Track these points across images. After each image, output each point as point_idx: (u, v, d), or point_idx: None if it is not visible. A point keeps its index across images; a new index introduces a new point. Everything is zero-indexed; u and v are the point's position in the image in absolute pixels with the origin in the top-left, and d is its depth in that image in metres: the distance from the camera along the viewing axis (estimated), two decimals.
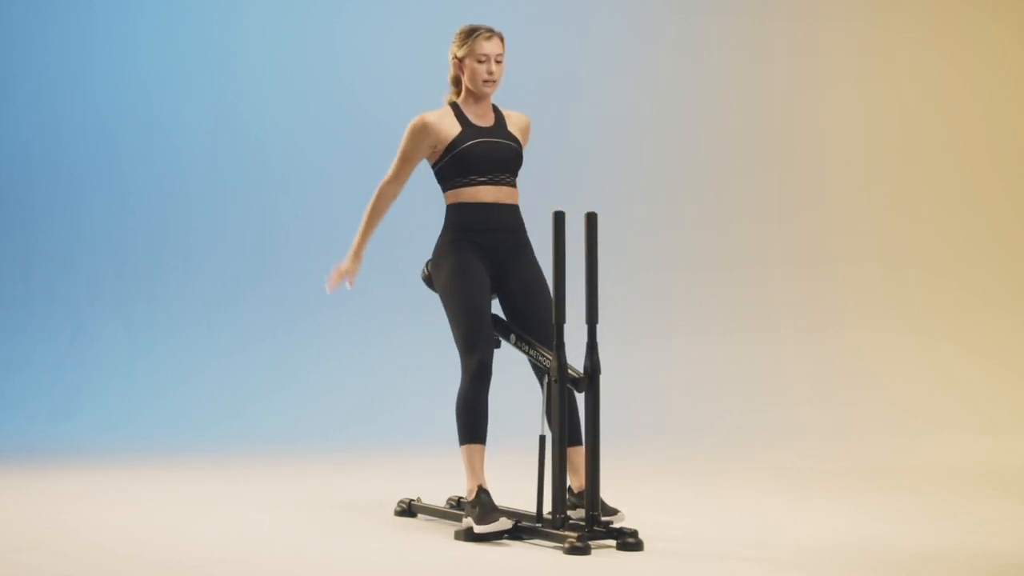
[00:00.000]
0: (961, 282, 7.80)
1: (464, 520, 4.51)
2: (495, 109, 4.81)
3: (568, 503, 4.50)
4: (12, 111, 9.29)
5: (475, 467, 4.52)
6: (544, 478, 4.44)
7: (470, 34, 4.75)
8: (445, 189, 4.75)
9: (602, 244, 4.50)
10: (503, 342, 4.68)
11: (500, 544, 4.40)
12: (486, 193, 4.69)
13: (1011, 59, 7.92)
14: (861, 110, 8.06)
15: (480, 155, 4.67)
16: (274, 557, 4.28)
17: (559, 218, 4.47)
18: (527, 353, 4.61)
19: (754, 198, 8.15)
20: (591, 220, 4.46)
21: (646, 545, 4.29)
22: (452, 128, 4.69)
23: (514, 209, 4.75)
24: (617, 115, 8.36)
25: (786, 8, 8.21)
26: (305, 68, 8.91)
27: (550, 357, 4.45)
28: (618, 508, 4.56)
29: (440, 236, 4.75)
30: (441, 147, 4.70)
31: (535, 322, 4.66)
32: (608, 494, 4.60)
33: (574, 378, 4.44)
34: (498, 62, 4.74)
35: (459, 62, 4.76)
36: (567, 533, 4.30)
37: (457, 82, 4.81)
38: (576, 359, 4.46)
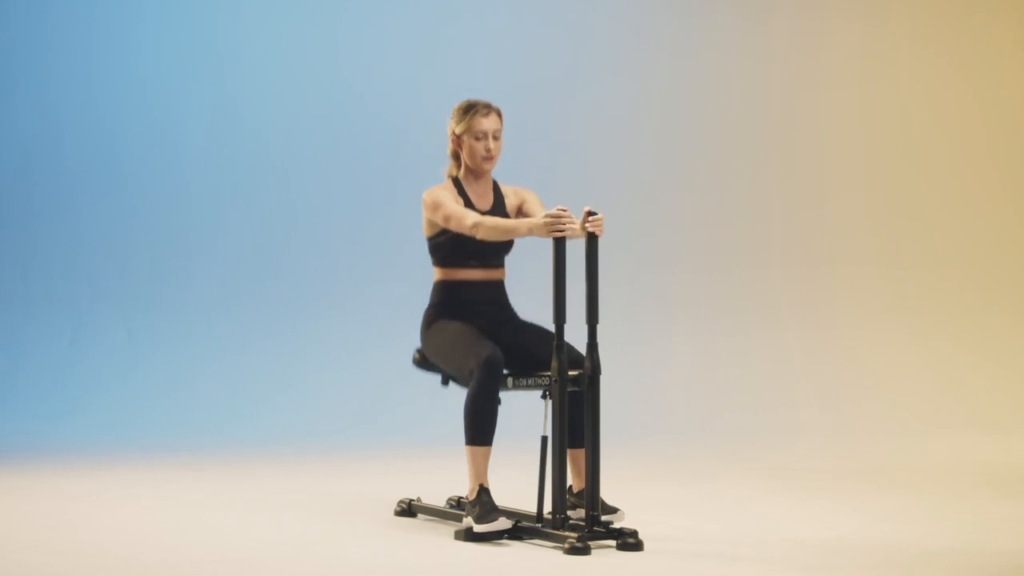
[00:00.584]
0: (961, 282, 7.80)
1: (464, 520, 4.51)
2: (495, 187, 4.81)
3: (568, 504, 4.50)
4: (12, 111, 9.29)
5: (478, 468, 4.52)
6: (545, 479, 4.44)
7: (467, 111, 4.73)
8: (436, 264, 4.76)
9: (602, 244, 4.50)
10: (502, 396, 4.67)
11: (500, 544, 4.40)
12: (476, 274, 4.74)
13: (1011, 59, 7.91)
14: (861, 110, 8.05)
15: (477, 241, 4.64)
16: (274, 557, 4.28)
17: None
18: (526, 387, 4.59)
19: (754, 198, 8.14)
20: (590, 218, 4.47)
21: (646, 545, 4.30)
22: None
23: (500, 285, 4.78)
24: (617, 115, 8.36)
25: (786, 8, 8.20)
26: (306, 68, 8.91)
27: (548, 374, 4.45)
28: (618, 507, 4.56)
29: (425, 311, 4.76)
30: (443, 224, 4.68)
31: (532, 350, 4.65)
32: (608, 494, 4.60)
33: (574, 378, 4.44)
34: (496, 139, 4.73)
35: (457, 138, 4.76)
36: (567, 533, 4.30)
37: (456, 157, 4.80)
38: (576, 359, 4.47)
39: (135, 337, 8.84)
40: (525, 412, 5.50)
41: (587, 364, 4.42)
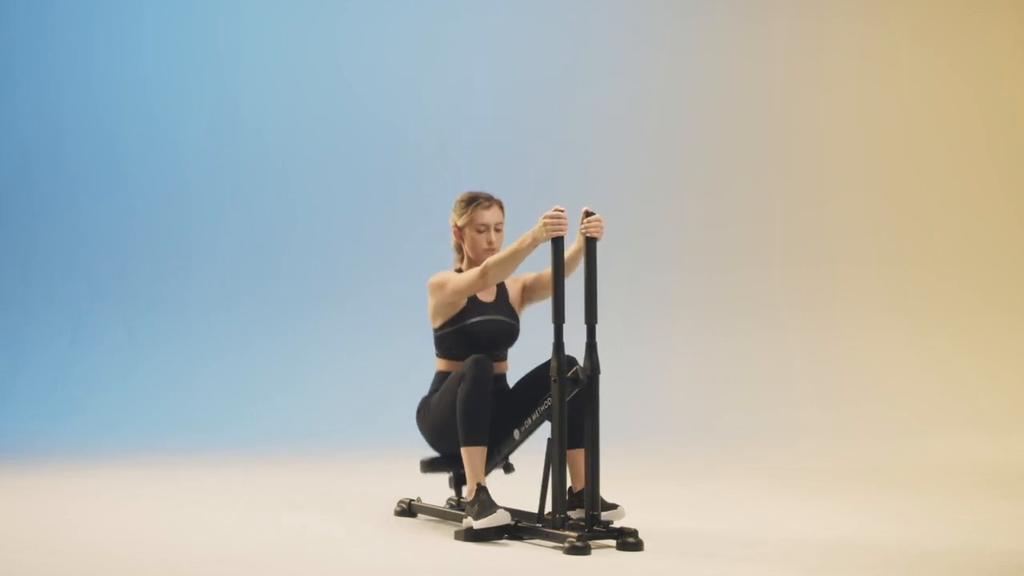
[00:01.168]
0: (961, 282, 7.80)
1: (464, 520, 4.51)
2: None
3: (568, 503, 4.50)
4: (13, 111, 9.29)
5: (475, 467, 4.53)
6: (548, 480, 4.44)
7: (469, 203, 4.74)
8: (440, 355, 4.77)
9: (602, 244, 4.50)
10: (511, 452, 4.66)
11: (500, 544, 4.40)
12: None
13: (1011, 59, 7.92)
14: (861, 110, 8.06)
15: (482, 333, 4.69)
16: (274, 557, 4.28)
17: None
18: (536, 422, 4.57)
19: (754, 198, 8.15)
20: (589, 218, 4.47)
21: (646, 545, 4.30)
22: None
23: (502, 378, 4.79)
24: (617, 115, 8.36)
25: (786, 8, 8.21)
26: (306, 68, 8.91)
27: (548, 399, 4.46)
28: (617, 503, 4.56)
29: (426, 395, 4.76)
30: (449, 314, 4.69)
31: (534, 381, 4.65)
32: (608, 494, 4.60)
33: (574, 379, 4.44)
34: (498, 231, 4.74)
35: (459, 231, 4.77)
36: (567, 533, 4.30)
37: (460, 249, 4.81)
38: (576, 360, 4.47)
39: (135, 337, 8.84)
40: None
41: (587, 364, 4.42)
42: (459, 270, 4.80)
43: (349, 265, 8.65)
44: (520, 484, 4.96)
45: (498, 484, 4.78)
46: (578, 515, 4.46)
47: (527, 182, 7.99)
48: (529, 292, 4.86)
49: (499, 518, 4.41)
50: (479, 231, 4.72)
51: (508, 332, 4.78)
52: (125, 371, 8.66)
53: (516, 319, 4.82)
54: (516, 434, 4.62)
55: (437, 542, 4.49)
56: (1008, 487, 5.71)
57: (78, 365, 8.77)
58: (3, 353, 8.99)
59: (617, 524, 4.43)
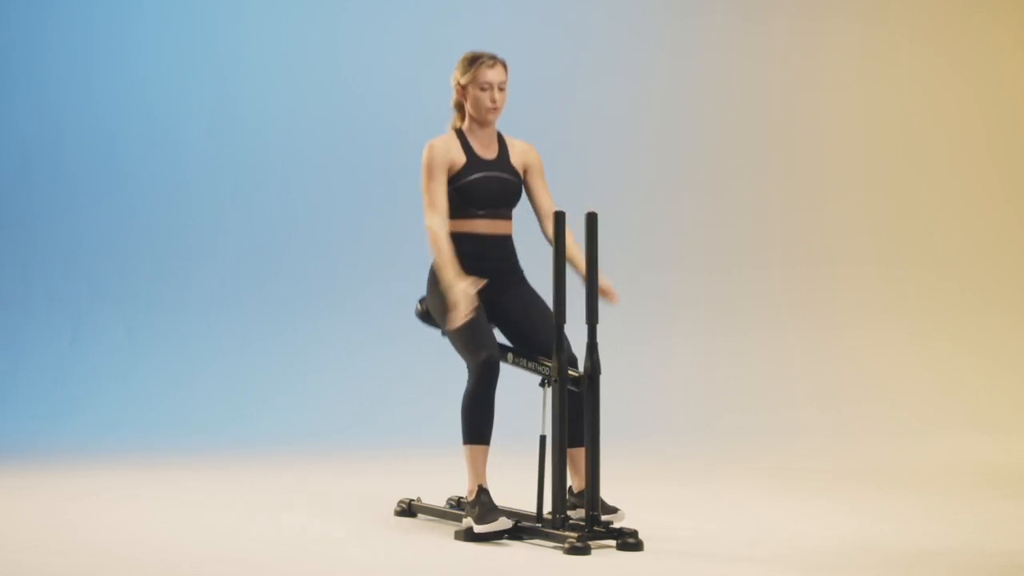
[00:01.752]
0: (961, 282, 7.80)
1: (464, 520, 4.51)
2: (499, 138, 4.80)
3: (568, 503, 4.51)
4: (12, 111, 9.29)
5: (477, 467, 4.52)
6: (544, 478, 4.45)
7: (473, 61, 4.73)
8: None
9: (602, 244, 4.50)
10: (502, 364, 4.66)
11: (500, 544, 4.40)
12: (482, 226, 4.70)
13: (1011, 59, 7.91)
14: (861, 110, 8.05)
15: (482, 190, 4.68)
16: (274, 557, 4.28)
17: (559, 218, 4.47)
18: (526, 367, 4.60)
19: (754, 198, 8.14)
20: (591, 220, 4.46)
21: (646, 545, 4.30)
22: (458, 156, 4.69)
23: (507, 240, 4.76)
24: (617, 115, 8.36)
25: (786, 8, 8.20)
26: (306, 68, 8.91)
27: (549, 364, 4.45)
28: (618, 507, 4.56)
29: (432, 264, 4.74)
30: (450, 172, 4.68)
31: (535, 334, 4.65)
32: (608, 494, 4.60)
33: (574, 378, 4.44)
34: (501, 90, 4.72)
35: (462, 89, 4.75)
36: (567, 533, 4.30)
37: (460, 108, 4.79)
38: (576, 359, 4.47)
39: (135, 337, 8.84)
40: (525, 412, 5.50)
41: (587, 364, 4.42)
42: (457, 129, 4.77)
43: (349, 265, 8.65)
44: (521, 484, 4.96)
45: (498, 484, 4.78)
46: (578, 515, 4.46)
47: None
48: (526, 184, 4.82)
49: (501, 525, 4.41)
50: (483, 89, 4.70)
51: (510, 189, 4.74)
52: (125, 371, 8.66)
53: (518, 177, 4.78)
54: (510, 357, 4.62)
55: (437, 542, 4.49)
56: (1008, 487, 5.71)
57: (78, 365, 8.77)
58: (3, 353, 8.99)
59: (617, 525, 4.43)
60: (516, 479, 5.05)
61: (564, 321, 4.43)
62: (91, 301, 9.01)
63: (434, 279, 4.69)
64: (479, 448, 4.53)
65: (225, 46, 9.06)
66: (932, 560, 4.10)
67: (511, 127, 4.93)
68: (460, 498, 4.93)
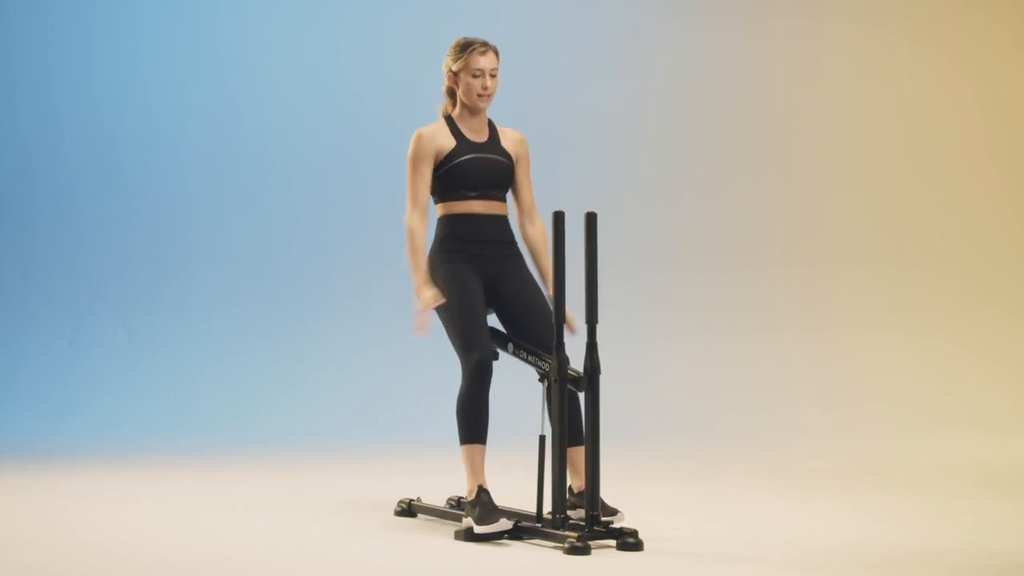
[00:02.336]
0: (961, 282, 7.80)
1: (464, 520, 4.51)
2: (490, 124, 4.82)
3: (568, 503, 4.50)
4: (13, 111, 9.30)
5: (475, 467, 4.52)
6: (544, 478, 4.45)
7: (465, 48, 4.74)
8: (436, 201, 4.78)
9: (602, 244, 4.50)
10: (501, 353, 4.67)
11: (500, 544, 4.40)
12: (477, 206, 4.71)
13: (1011, 59, 7.92)
14: (861, 110, 8.06)
15: (473, 170, 4.69)
16: (274, 557, 4.28)
17: (559, 218, 4.47)
18: (525, 360, 4.61)
19: (754, 198, 8.15)
20: (591, 220, 4.46)
21: (646, 545, 4.30)
22: (447, 142, 4.71)
23: (503, 220, 4.77)
24: (617, 115, 8.37)
25: (786, 8, 8.21)
26: (306, 68, 8.92)
27: (549, 360, 4.45)
28: (618, 508, 4.56)
29: (431, 248, 4.75)
30: (437, 159, 4.71)
31: (532, 328, 4.65)
32: (608, 494, 4.60)
33: (574, 378, 4.44)
34: (493, 76, 4.73)
35: (454, 75, 4.77)
36: (567, 533, 4.30)
37: (452, 94, 4.81)
38: (576, 359, 4.46)
39: (135, 337, 8.84)
40: (524, 411, 5.51)
41: (587, 364, 4.42)
42: (447, 116, 4.79)
43: (349, 265, 8.65)
44: (520, 484, 4.96)
45: (498, 484, 4.78)
46: (578, 515, 4.46)
47: None
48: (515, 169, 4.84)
49: (501, 526, 4.41)
50: (474, 76, 4.72)
51: (502, 170, 4.75)
52: (125, 371, 8.66)
53: (510, 160, 4.79)
54: (510, 347, 4.63)
55: (437, 542, 4.49)
56: (1008, 487, 5.71)
57: (78, 365, 8.77)
58: (3, 353, 8.99)
59: (617, 525, 4.43)
60: (516, 479, 5.05)
61: (564, 320, 4.44)
62: (91, 301, 9.01)
63: (432, 267, 4.70)
64: (475, 448, 4.53)
65: (225, 46, 9.06)
66: (932, 560, 4.10)
67: (511, 126, 4.93)
68: (460, 498, 4.93)
